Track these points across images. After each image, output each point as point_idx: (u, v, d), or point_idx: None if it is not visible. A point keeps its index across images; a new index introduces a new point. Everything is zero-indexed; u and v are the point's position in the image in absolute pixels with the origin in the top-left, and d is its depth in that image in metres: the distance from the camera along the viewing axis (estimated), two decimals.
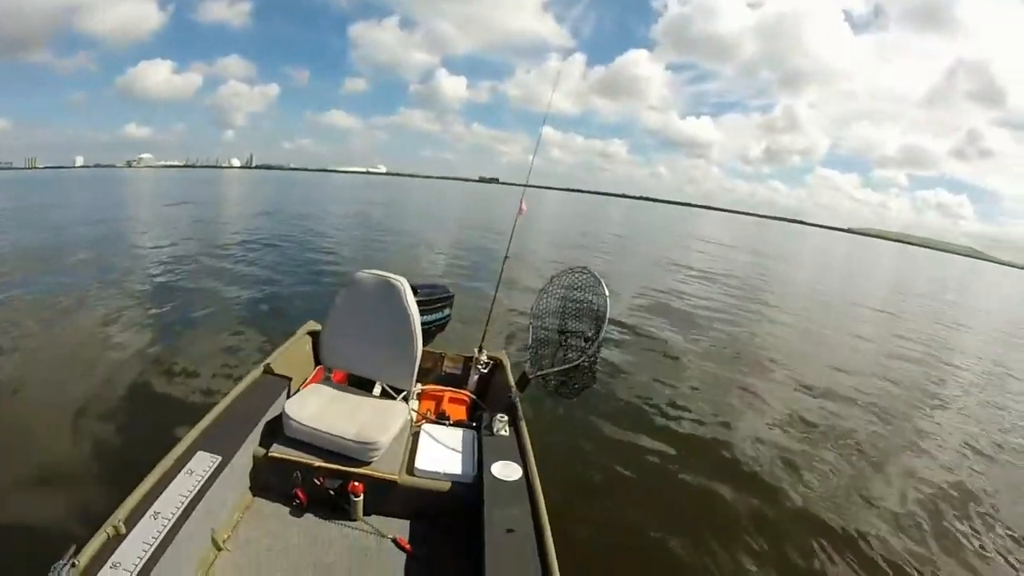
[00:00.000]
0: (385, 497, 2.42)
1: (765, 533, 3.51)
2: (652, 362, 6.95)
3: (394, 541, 2.29)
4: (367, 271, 2.83)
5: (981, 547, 3.72)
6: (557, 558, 1.80)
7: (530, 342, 3.02)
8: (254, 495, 2.49)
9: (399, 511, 2.45)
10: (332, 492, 2.39)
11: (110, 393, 4.50)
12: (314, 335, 3.44)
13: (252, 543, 2.22)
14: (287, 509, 2.43)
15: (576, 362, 2.70)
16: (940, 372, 8.72)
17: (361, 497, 2.36)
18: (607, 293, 2.66)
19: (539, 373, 2.86)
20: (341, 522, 2.38)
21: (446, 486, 2.43)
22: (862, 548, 3.49)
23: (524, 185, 3.96)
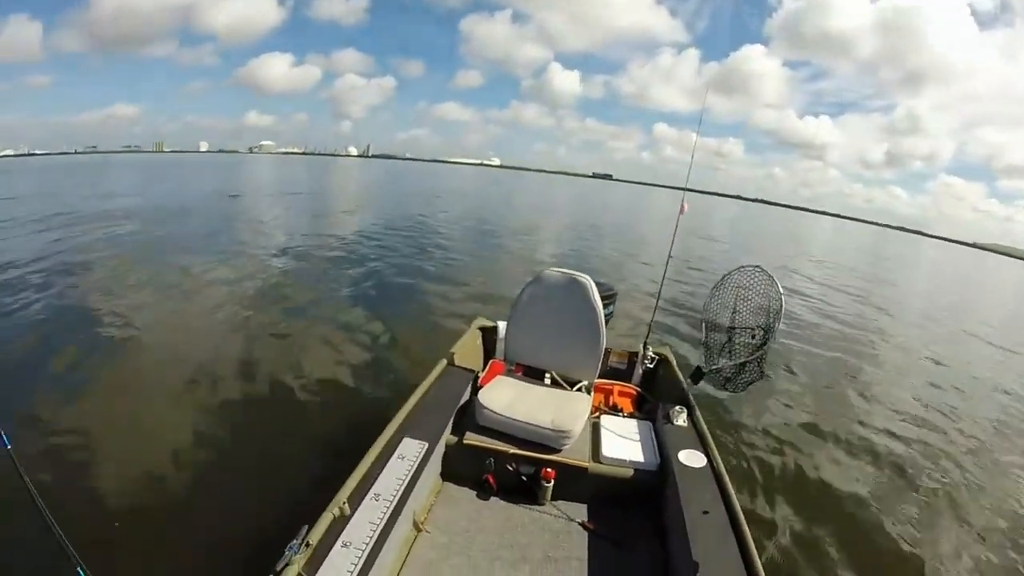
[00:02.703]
0: (572, 483, 2.52)
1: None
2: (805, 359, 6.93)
3: (581, 524, 2.40)
4: (553, 269, 2.97)
5: None
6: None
7: (703, 337, 3.19)
8: (444, 480, 2.62)
9: (583, 496, 2.55)
10: (524, 478, 2.53)
11: (304, 382, 4.82)
12: (484, 330, 3.75)
13: (449, 525, 2.34)
14: (475, 493, 2.56)
15: (751, 357, 2.85)
16: None
17: (552, 483, 2.47)
18: (781, 290, 2.78)
19: (714, 367, 3.02)
20: (530, 506, 2.50)
21: (629, 473, 2.54)
22: None
23: (684, 189, 4.05)
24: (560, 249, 15.15)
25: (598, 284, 2.95)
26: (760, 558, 1.80)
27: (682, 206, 3.83)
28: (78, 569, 1.43)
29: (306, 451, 3.70)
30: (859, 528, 3.48)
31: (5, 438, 1.49)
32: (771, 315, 2.81)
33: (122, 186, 28.86)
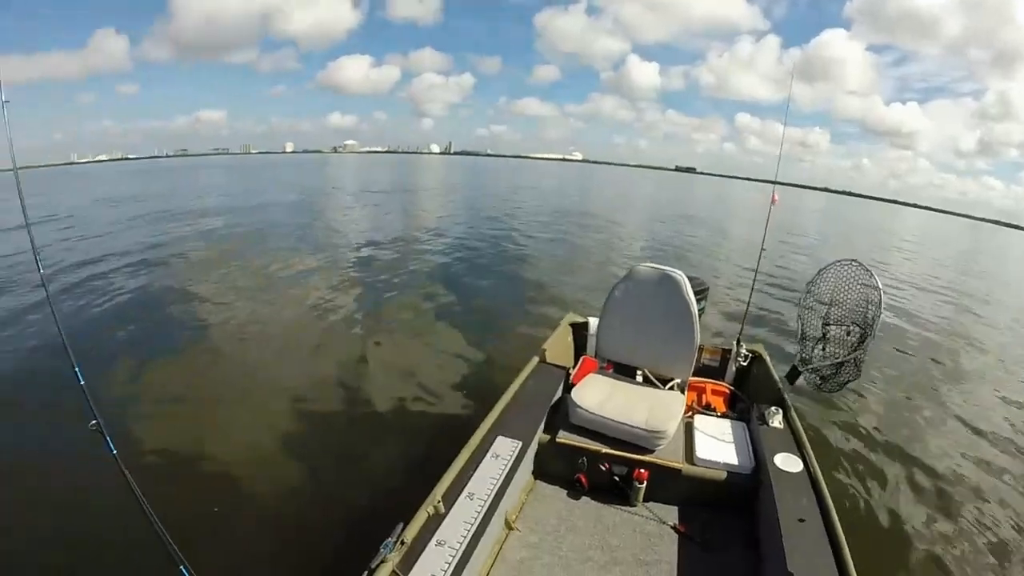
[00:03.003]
0: (664, 484, 2.47)
1: None
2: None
3: (673, 527, 2.35)
4: (646, 264, 2.91)
5: None
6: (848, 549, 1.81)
7: (798, 336, 3.07)
8: (535, 478, 2.62)
9: (674, 498, 2.49)
10: (617, 478, 2.48)
11: (396, 378, 4.91)
12: (575, 326, 3.70)
13: (540, 524, 2.34)
14: (566, 492, 2.54)
15: (848, 356, 2.72)
16: None
17: (645, 484, 2.42)
18: (880, 286, 2.63)
19: (811, 367, 2.90)
20: (621, 507, 2.46)
21: (723, 475, 2.46)
22: None
23: (772, 182, 3.92)
24: (647, 243, 14.93)
25: (690, 279, 2.89)
26: (857, 571, 1.72)
27: (773, 196, 3.74)
28: (181, 568, 1.46)
29: (401, 447, 3.76)
30: (957, 548, 3.20)
31: (97, 417, 1.55)
32: (870, 312, 2.67)
33: (232, 185, 31.64)
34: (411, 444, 3.79)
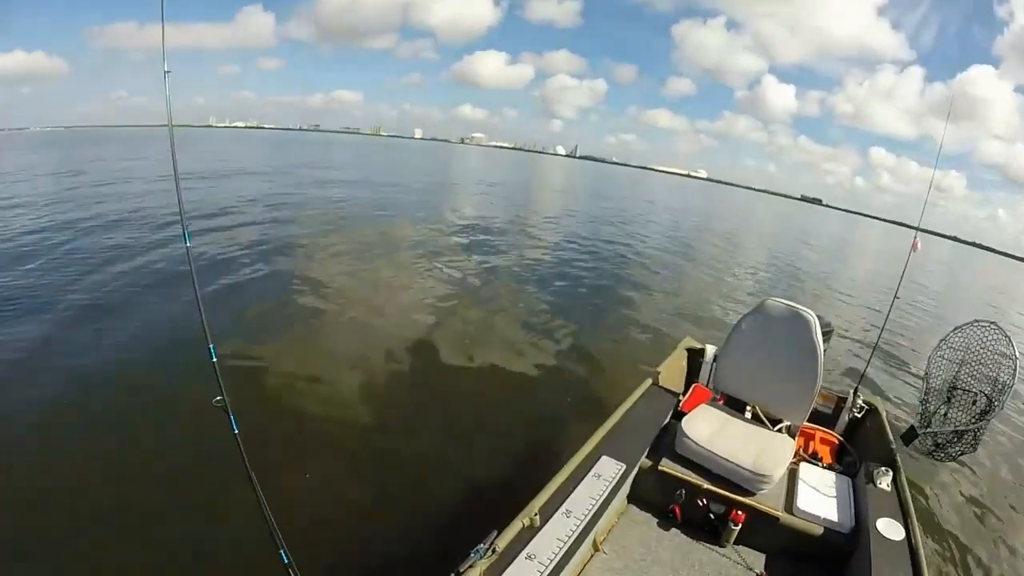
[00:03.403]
0: (759, 529, 2.39)
1: None
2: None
3: (759, 575, 2.29)
4: (777, 300, 2.80)
5: None
6: None
7: (921, 395, 2.92)
8: (628, 502, 2.56)
9: (766, 545, 2.42)
10: (712, 515, 2.41)
11: (505, 384, 4.96)
12: (691, 352, 3.59)
13: (626, 550, 2.29)
14: (657, 521, 2.50)
15: (970, 426, 2.56)
16: None
17: (739, 526, 2.35)
18: (1017, 355, 2.46)
19: (929, 431, 2.75)
20: (710, 545, 2.40)
21: (819, 530, 2.36)
22: None
23: (916, 228, 3.69)
24: (769, 273, 14.23)
25: (817, 317, 2.75)
26: None
27: (915, 242, 3.56)
28: (281, 552, 1.52)
29: (502, 454, 3.78)
30: None
31: (228, 408, 1.58)
32: (1000, 381, 2.51)
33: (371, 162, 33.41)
34: (514, 451, 3.84)
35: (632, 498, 2.57)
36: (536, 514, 1.88)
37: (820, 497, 2.52)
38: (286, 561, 1.60)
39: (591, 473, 2.22)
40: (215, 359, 1.64)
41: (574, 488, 2.10)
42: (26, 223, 9.69)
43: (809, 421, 3.11)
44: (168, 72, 1.62)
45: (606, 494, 2.11)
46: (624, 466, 2.32)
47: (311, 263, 7.97)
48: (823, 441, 3.10)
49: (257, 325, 5.71)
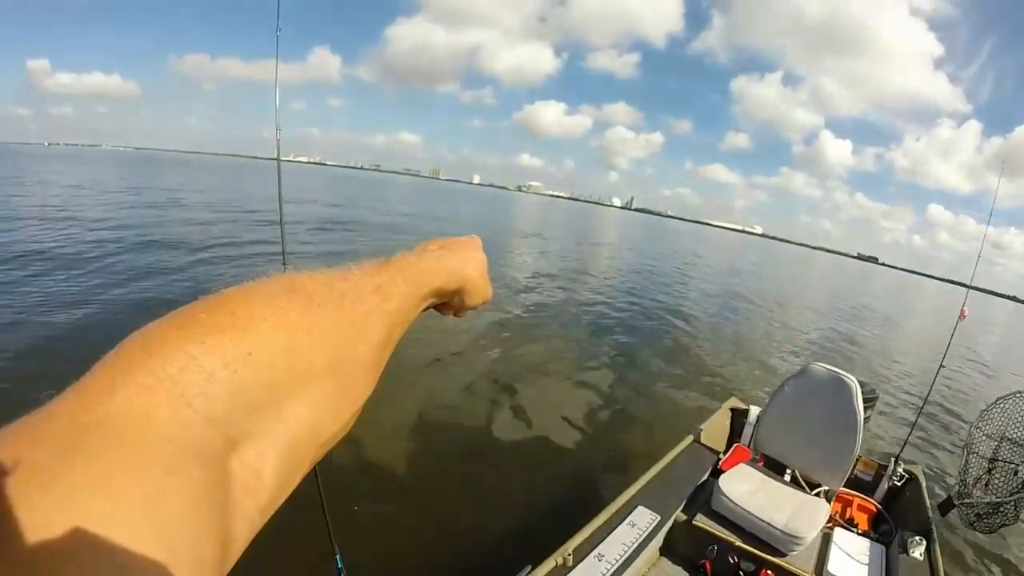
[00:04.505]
0: None
1: None
2: None
3: None
4: (820, 365, 2.83)
5: None
6: None
7: (961, 466, 2.85)
8: (661, 554, 2.55)
9: None
10: (742, 573, 2.41)
11: (550, 425, 4.99)
12: (735, 412, 3.64)
13: None
14: (687, 575, 2.52)
15: (1010, 498, 2.49)
16: None
17: None
18: None
19: (966, 502, 2.68)
20: None
21: None
22: None
23: (967, 286, 3.64)
24: (818, 335, 13.76)
25: (860, 384, 2.77)
26: None
27: (962, 311, 3.50)
28: (336, 557, 1.55)
29: (542, 491, 3.82)
30: None
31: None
32: None
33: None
34: (554, 490, 3.89)
35: (664, 550, 2.57)
36: (570, 554, 1.92)
37: (852, 563, 2.48)
38: None
39: (626, 521, 2.26)
40: None
41: (608, 534, 2.14)
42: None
43: (849, 487, 3.10)
44: (277, 109, 1.65)
45: (638, 543, 2.15)
46: (659, 517, 2.36)
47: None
48: (860, 508, 3.06)
49: None
